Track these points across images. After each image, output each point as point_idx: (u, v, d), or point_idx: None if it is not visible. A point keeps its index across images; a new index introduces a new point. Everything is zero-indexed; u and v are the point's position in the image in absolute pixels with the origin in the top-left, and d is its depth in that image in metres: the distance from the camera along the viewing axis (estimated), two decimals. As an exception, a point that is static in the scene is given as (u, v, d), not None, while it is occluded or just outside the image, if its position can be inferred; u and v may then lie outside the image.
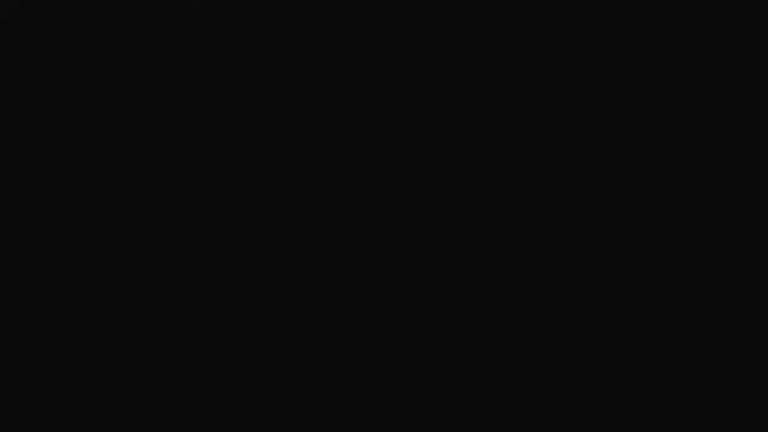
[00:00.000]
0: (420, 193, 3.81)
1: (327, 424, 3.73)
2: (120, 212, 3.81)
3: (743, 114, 3.80)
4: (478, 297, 3.77)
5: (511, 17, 3.84)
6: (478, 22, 3.85)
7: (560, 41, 3.83)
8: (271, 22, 3.87)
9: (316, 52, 3.86)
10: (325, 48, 3.86)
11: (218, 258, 3.80)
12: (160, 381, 3.74)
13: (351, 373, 3.75)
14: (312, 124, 3.85)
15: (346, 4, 3.86)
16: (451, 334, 3.76)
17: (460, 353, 3.75)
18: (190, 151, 3.84)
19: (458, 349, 3.75)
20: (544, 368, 3.73)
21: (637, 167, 3.80)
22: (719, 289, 3.74)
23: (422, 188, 3.81)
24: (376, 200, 3.81)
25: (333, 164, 3.83)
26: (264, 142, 3.84)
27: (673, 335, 3.73)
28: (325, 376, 3.75)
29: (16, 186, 3.82)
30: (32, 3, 3.87)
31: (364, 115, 3.84)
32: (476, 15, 3.85)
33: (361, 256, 3.80)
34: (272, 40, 3.87)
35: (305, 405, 3.73)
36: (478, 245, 3.79)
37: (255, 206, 3.81)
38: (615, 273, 3.76)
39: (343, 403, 3.74)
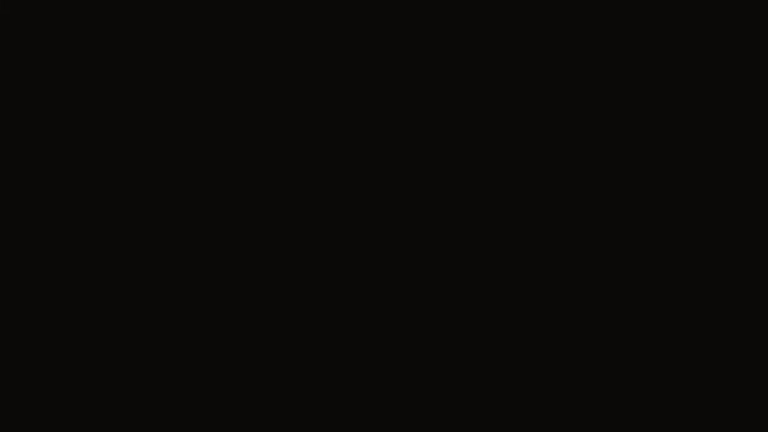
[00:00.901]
0: (420, 192, 3.82)
1: (327, 424, 3.73)
2: (119, 211, 3.81)
3: (743, 114, 3.81)
4: (478, 297, 3.78)
5: (511, 17, 3.85)
6: (477, 21, 3.86)
7: (560, 41, 3.84)
8: (271, 22, 3.87)
9: (316, 52, 3.86)
10: (325, 48, 3.86)
11: (218, 257, 3.80)
12: (160, 380, 3.74)
13: (351, 372, 3.75)
14: (312, 123, 3.85)
15: (346, 4, 3.86)
16: (450, 334, 3.77)
17: (460, 353, 3.76)
18: (190, 150, 3.84)
19: (458, 348, 3.76)
20: (544, 368, 3.74)
21: (636, 167, 3.81)
22: (718, 289, 3.75)
23: (422, 187, 3.82)
24: (375, 199, 3.81)
25: (332, 164, 3.84)
26: (264, 142, 3.84)
27: (672, 335, 3.75)
28: (325, 376, 3.75)
29: (15, 183, 3.82)
30: (32, 2, 3.87)
31: (364, 114, 3.85)
32: (476, 15, 3.86)
33: (360, 256, 3.80)
34: (272, 39, 3.87)
35: (305, 405, 3.74)
36: (477, 245, 3.80)
37: (254, 205, 3.81)
38: (614, 272, 3.77)
39: (343, 402, 3.74)
